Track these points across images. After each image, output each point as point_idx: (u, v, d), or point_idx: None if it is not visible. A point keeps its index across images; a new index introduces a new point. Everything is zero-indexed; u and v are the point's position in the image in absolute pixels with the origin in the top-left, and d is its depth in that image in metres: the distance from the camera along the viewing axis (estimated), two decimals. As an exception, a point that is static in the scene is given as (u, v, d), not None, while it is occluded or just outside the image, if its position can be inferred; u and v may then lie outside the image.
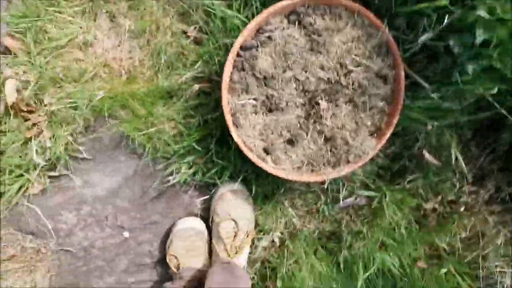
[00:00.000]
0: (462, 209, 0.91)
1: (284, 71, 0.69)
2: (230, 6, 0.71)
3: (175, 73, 0.80)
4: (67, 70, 0.81)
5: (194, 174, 0.84)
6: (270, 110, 0.72)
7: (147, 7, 0.78)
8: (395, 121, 0.73)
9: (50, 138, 0.82)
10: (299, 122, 0.73)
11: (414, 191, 0.90)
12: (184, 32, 0.79)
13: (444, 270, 0.90)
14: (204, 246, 0.88)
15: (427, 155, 0.82)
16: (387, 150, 0.87)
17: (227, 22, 0.72)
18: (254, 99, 0.71)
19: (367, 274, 0.95)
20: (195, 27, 0.78)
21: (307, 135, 0.73)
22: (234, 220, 0.82)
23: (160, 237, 0.93)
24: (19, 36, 0.79)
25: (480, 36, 0.55)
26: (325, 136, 0.73)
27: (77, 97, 0.80)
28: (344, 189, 0.86)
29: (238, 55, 0.69)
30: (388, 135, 0.74)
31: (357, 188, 0.89)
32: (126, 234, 0.93)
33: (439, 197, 0.90)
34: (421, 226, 0.95)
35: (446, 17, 0.58)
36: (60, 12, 0.80)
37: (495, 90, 0.62)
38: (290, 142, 0.74)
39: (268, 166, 0.73)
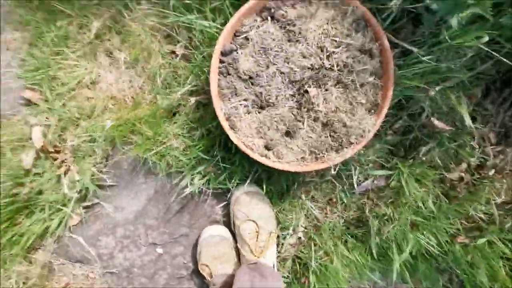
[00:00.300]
0: (491, 173, 0.84)
1: (268, 67, 0.71)
2: (205, 17, 0.76)
3: (171, 91, 0.85)
4: (81, 108, 0.90)
5: (207, 182, 0.88)
6: (262, 107, 0.74)
7: (136, 37, 0.85)
8: (390, 93, 0.71)
9: (77, 172, 0.91)
10: (293, 114, 0.74)
11: (433, 163, 0.86)
12: (173, 52, 0.85)
13: (483, 240, 0.83)
14: (231, 251, 0.90)
15: (436, 122, 0.78)
16: (394, 126, 0.85)
17: (206, 33, 0.76)
18: (245, 99, 0.73)
19: (403, 258, 0.90)
20: (182, 45, 0.83)
21: (303, 124, 0.73)
22: (253, 221, 0.84)
23: (190, 248, 0.98)
24: (36, 87, 0.89)
25: (450, -13, 0.53)
26: (321, 122, 0.73)
27: (92, 130, 0.88)
28: (357, 173, 0.85)
29: (220, 61, 0.72)
30: (385, 108, 0.72)
31: (370, 169, 0.87)
32: (159, 250, 0.99)
33: (463, 165, 0.85)
34: (450, 199, 0.89)
35: (411, -23, 0.56)
36: (66, 59, 0.90)
37: (486, 39, 0.59)
38: (288, 134, 0.75)
39: (271, 162, 0.75)
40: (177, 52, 0.84)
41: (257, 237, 0.84)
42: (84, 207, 0.96)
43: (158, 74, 0.85)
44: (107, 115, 0.89)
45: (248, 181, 0.84)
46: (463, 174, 0.87)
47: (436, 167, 0.87)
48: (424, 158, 0.84)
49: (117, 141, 0.86)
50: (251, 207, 0.86)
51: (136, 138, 0.90)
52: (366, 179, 0.90)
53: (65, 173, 0.92)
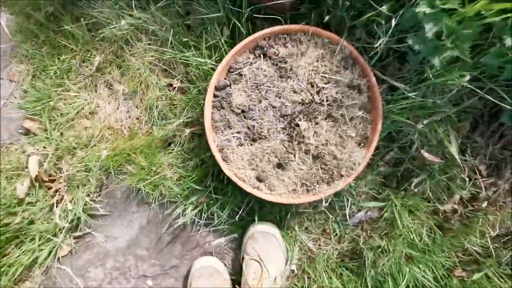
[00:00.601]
0: (484, 205, 0.84)
1: (260, 101, 0.74)
2: (202, 54, 0.79)
3: (167, 122, 0.87)
4: (78, 138, 0.92)
5: (200, 213, 0.88)
6: (254, 140, 0.75)
7: (135, 70, 0.88)
8: (379, 126, 0.73)
9: (70, 201, 0.91)
10: (284, 146, 0.75)
11: (425, 195, 0.86)
12: (170, 85, 0.88)
13: (480, 274, 0.82)
14: (222, 282, 0.88)
15: (426, 155, 0.80)
16: (385, 157, 0.86)
17: (202, 68, 0.80)
18: (237, 132, 0.75)
19: (399, 291, 0.88)
20: (178, 79, 0.86)
21: (294, 157, 0.75)
22: (261, 263, 0.82)
23: (181, 280, 0.95)
24: (37, 117, 0.92)
25: (429, 30, 0.56)
26: (312, 155, 0.74)
27: (88, 160, 0.89)
28: (349, 204, 0.85)
29: (215, 96, 0.75)
30: (375, 141, 0.74)
31: (362, 200, 0.87)
32: (149, 282, 0.96)
33: (456, 197, 0.85)
34: (445, 231, 0.88)
35: (393, 20, 0.60)
36: (67, 90, 0.93)
37: (467, 78, 0.62)
38: (280, 166, 0.76)
39: (263, 193, 0.75)
40: (174, 85, 0.87)
41: (260, 280, 0.82)
42: (75, 237, 0.95)
43: (155, 105, 0.88)
44: (103, 145, 0.91)
45: (253, 220, 0.84)
46: (456, 206, 0.87)
47: (428, 199, 0.87)
48: (416, 190, 0.85)
49: (111, 171, 0.87)
50: (265, 248, 0.84)
51: (130, 168, 0.91)
52: (359, 210, 0.90)
53: (58, 203, 0.92)
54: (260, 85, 0.73)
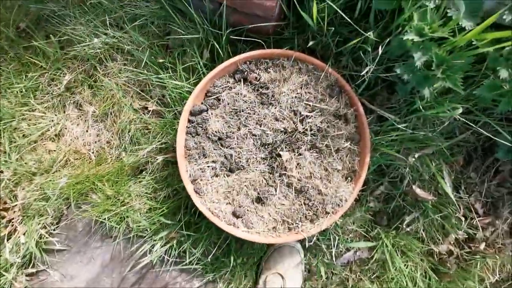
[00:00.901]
0: (482, 246, 0.77)
1: (239, 129, 0.68)
2: (180, 76, 0.74)
3: (140, 148, 0.80)
4: (39, 162, 0.83)
5: (170, 250, 0.78)
6: (231, 170, 0.68)
7: (108, 91, 0.82)
8: (367, 159, 0.67)
9: (24, 234, 0.81)
10: (264, 178, 0.68)
11: (419, 234, 0.79)
12: (145, 108, 0.82)
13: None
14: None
15: (418, 191, 0.74)
16: (375, 192, 0.79)
17: (178, 91, 0.74)
18: (213, 161, 0.68)
19: None
20: (154, 101, 0.80)
21: (275, 190, 0.68)
22: (281, 275, 0.76)
23: (147, 328, 0.83)
24: (-5, 138, 0.83)
25: (418, 59, 0.52)
26: (295, 189, 0.67)
27: (47, 187, 0.80)
28: (336, 243, 0.77)
29: (189, 121, 0.69)
30: (363, 175, 0.67)
31: (350, 239, 0.79)
32: (111, 330, 0.84)
33: (451, 237, 0.78)
34: (440, 275, 0.80)
35: (380, 48, 0.56)
36: (32, 110, 0.85)
37: (459, 110, 0.57)
38: (259, 200, 0.68)
39: (240, 231, 0.67)
40: (149, 108, 0.81)
41: None
42: (28, 274, 0.83)
43: (128, 129, 0.81)
44: (65, 171, 0.82)
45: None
46: (451, 248, 0.80)
47: (422, 239, 0.80)
48: (408, 229, 0.78)
49: (71, 201, 0.78)
50: (284, 260, 0.77)
51: (96, 197, 0.82)
52: (348, 249, 0.82)
53: (11, 234, 0.82)
54: (240, 111, 0.68)
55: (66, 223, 0.83)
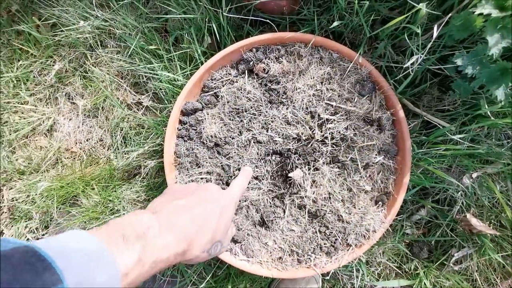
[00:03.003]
0: (558, 298, 0.58)
1: (240, 133, 0.54)
2: (175, 67, 0.61)
3: (131, 150, 0.69)
4: (29, 160, 0.76)
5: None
6: (229, 184, 0.55)
7: (99, 82, 0.72)
8: (406, 180, 0.51)
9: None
10: (269, 197, 0.54)
11: (468, 274, 0.61)
12: (140, 103, 0.71)
13: None
14: None
15: (474, 221, 0.56)
16: (413, 217, 0.63)
17: (173, 84, 0.62)
18: (208, 172, 0.55)
19: None
20: (148, 96, 0.69)
21: (284, 213, 0.54)
22: None
23: None
24: (-16, 132, 0.77)
25: (495, 44, 0.35)
26: (309, 212, 0.53)
27: (33, 189, 0.72)
28: (360, 277, 0.62)
29: (181, 122, 0.56)
30: (400, 201, 0.51)
31: (377, 274, 0.63)
32: None
33: (510, 279, 0.60)
34: (496, 326, 0.63)
35: (435, 29, 0.39)
36: (23, 103, 0.78)
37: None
38: (263, 224, 0.55)
39: (238, 260, 0.54)
40: (143, 103, 0.70)
41: None
42: None
43: (119, 127, 0.71)
44: (54, 171, 0.74)
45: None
46: (513, 293, 0.61)
47: (474, 280, 0.62)
48: (457, 268, 0.61)
49: (54, 205, 0.70)
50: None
51: (85, 202, 0.73)
52: (374, 284, 0.66)
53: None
54: (242, 112, 0.54)
55: (55, 229, 0.75)
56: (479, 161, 0.53)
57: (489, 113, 0.44)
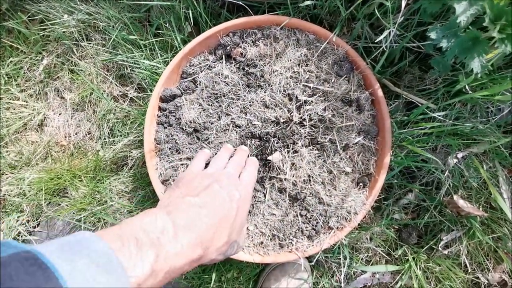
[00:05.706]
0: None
1: (219, 118, 0.54)
2: (156, 55, 0.62)
3: (117, 140, 0.70)
4: (20, 154, 0.77)
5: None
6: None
7: (86, 76, 0.73)
8: (387, 160, 0.50)
9: (1, 231, 0.75)
10: (250, 181, 0.54)
11: (459, 259, 0.60)
12: (126, 95, 0.71)
13: None
14: None
15: (461, 203, 0.55)
16: (401, 201, 0.62)
17: (156, 73, 0.62)
18: (188, 158, 0.55)
19: None
20: (134, 87, 0.69)
21: (264, 196, 0.53)
22: None
23: None
24: (-24, 128, 0.78)
25: (463, 12, 0.34)
26: (289, 195, 0.52)
27: (23, 182, 0.73)
28: (346, 266, 0.61)
29: (160, 109, 0.57)
30: (381, 182, 0.50)
31: (366, 260, 0.62)
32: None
33: (504, 265, 0.58)
34: (489, 312, 0.61)
35: (403, 2, 0.38)
36: (14, 99, 0.79)
37: (529, 90, 0.38)
38: (245, 208, 0.54)
39: (220, 244, 0.54)
40: (129, 95, 0.70)
41: None
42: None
43: (106, 120, 0.71)
44: (43, 164, 0.75)
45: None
46: (505, 277, 0.60)
47: (465, 265, 0.60)
48: (446, 252, 0.59)
49: (43, 197, 0.71)
50: (287, 279, 0.64)
51: (74, 193, 0.74)
52: (364, 271, 0.65)
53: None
54: (220, 97, 0.54)
55: (46, 221, 0.76)
56: (465, 140, 0.52)
57: (466, 87, 0.43)
